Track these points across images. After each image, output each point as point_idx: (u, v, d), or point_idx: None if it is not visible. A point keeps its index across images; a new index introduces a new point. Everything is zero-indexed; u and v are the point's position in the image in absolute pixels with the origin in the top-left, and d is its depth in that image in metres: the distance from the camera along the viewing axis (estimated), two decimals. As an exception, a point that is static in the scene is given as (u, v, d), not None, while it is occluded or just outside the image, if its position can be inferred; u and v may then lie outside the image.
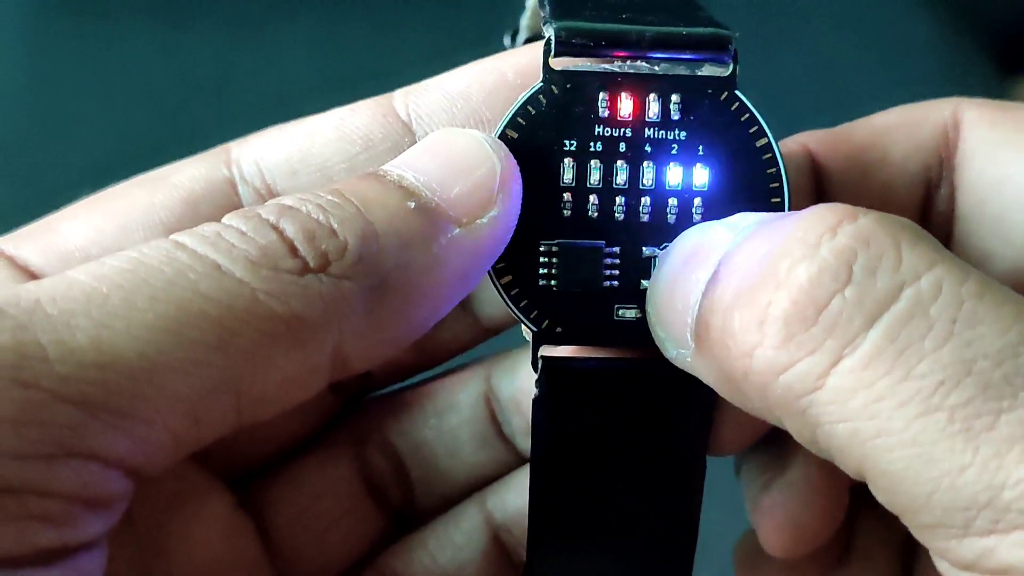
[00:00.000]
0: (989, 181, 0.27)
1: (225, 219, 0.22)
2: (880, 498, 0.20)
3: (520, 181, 0.24)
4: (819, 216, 0.21)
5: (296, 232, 0.21)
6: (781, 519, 0.29)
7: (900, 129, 0.29)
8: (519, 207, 0.24)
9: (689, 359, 0.23)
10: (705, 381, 0.23)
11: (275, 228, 0.21)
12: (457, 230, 0.23)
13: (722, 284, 0.21)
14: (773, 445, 0.29)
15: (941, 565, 0.20)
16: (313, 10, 0.73)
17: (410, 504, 0.31)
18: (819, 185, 0.29)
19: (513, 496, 0.30)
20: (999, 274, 0.28)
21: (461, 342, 0.31)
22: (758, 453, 0.30)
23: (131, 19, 0.71)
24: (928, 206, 0.29)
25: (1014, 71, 0.89)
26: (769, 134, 0.25)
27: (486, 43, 0.33)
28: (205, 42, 0.71)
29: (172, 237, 0.21)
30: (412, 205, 0.22)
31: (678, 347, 0.23)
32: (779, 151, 0.25)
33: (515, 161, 0.24)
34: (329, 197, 0.22)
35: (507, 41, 0.33)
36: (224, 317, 0.20)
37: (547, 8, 0.26)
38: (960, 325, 0.19)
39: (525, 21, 0.32)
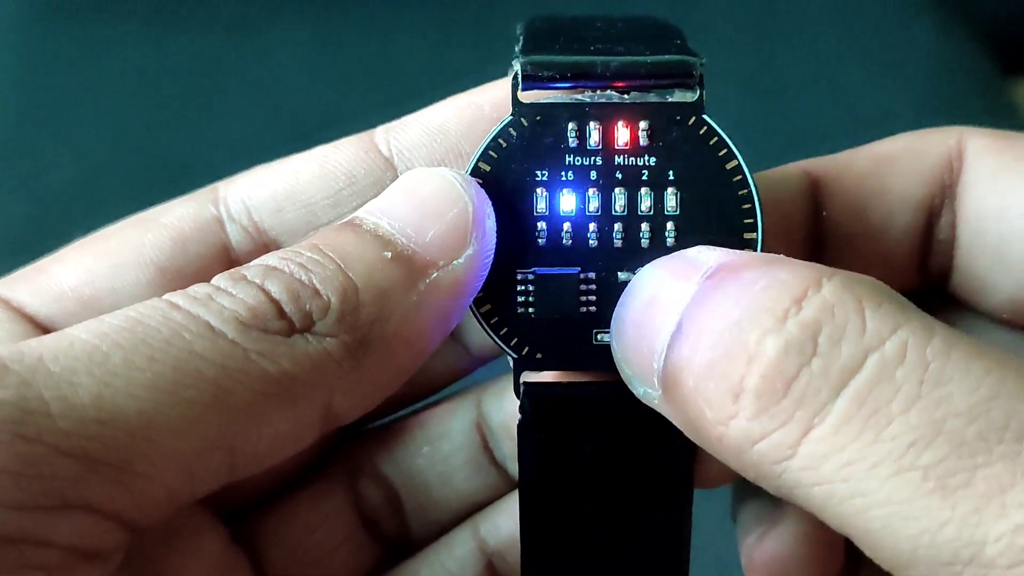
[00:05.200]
0: (989, 210, 0.28)
1: (215, 280, 0.22)
2: (867, 553, 0.20)
3: (493, 216, 0.25)
4: (786, 286, 0.21)
5: (281, 293, 0.22)
6: (776, 572, 0.29)
7: (903, 158, 0.29)
8: (494, 242, 0.25)
9: (656, 401, 0.23)
10: (673, 422, 0.23)
11: (262, 289, 0.22)
12: (435, 274, 0.23)
13: (690, 344, 0.22)
14: (767, 496, 0.30)
15: None
16: (308, 13, 0.73)
17: (405, 534, 0.31)
18: (817, 211, 0.29)
19: (505, 521, 0.30)
20: (999, 303, 0.28)
21: (452, 371, 0.31)
22: (752, 505, 0.30)
23: (125, 21, 0.72)
24: (929, 234, 0.29)
25: (1014, 71, 0.89)
26: (739, 156, 0.25)
27: (481, 44, 0.33)
28: (200, 45, 0.71)
29: (166, 297, 0.22)
30: (388, 255, 0.23)
31: (645, 387, 0.23)
32: (749, 172, 0.25)
33: (486, 196, 0.25)
34: (309, 254, 0.23)
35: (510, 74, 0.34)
36: (218, 377, 0.21)
37: (519, 43, 0.26)
38: (928, 386, 0.19)
39: None
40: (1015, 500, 0.18)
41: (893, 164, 0.29)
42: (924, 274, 0.29)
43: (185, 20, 0.73)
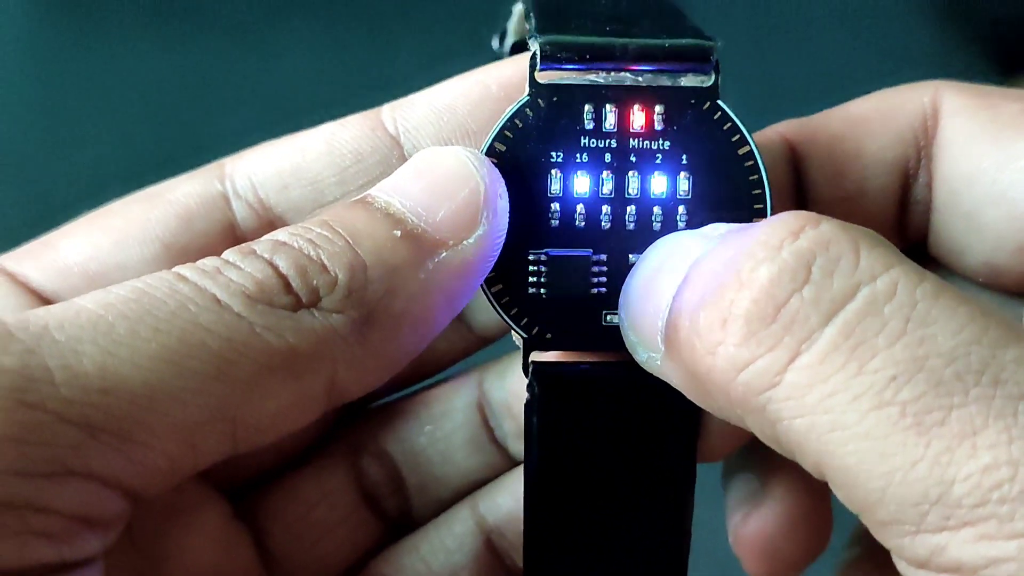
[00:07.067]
0: (963, 175, 0.27)
1: (224, 254, 0.22)
2: (839, 495, 0.20)
3: (506, 197, 0.24)
4: (783, 221, 0.21)
5: (289, 268, 0.22)
6: (761, 549, 0.29)
7: (877, 117, 0.29)
8: (506, 223, 0.25)
9: (659, 363, 0.23)
10: (673, 384, 0.23)
11: (270, 264, 0.22)
12: (444, 253, 0.23)
13: (691, 287, 0.22)
14: (754, 474, 0.30)
15: (899, 564, 0.20)
16: (312, 15, 0.73)
17: (406, 511, 0.31)
18: (797, 175, 0.29)
19: (505, 499, 0.30)
20: (974, 266, 0.28)
21: (455, 350, 0.31)
22: (740, 482, 0.30)
23: (131, 24, 0.72)
24: (906, 195, 0.29)
25: (1014, 71, 0.89)
26: (751, 142, 0.25)
27: (482, 46, 0.33)
28: (205, 47, 0.71)
29: (175, 269, 0.22)
30: (398, 233, 0.23)
31: (648, 351, 0.23)
32: (761, 159, 0.25)
33: (500, 177, 0.24)
34: (319, 231, 0.23)
35: (495, 44, 0.34)
36: (223, 349, 0.21)
37: (533, 22, 0.26)
38: (913, 324, 0.19)
39: (512, 25, 0.32)
40: (986, 441, 0.18)
41: (867, 125, 0.28)
42: (903, 236, 0.29)
43: (189, 21, 0.73)
